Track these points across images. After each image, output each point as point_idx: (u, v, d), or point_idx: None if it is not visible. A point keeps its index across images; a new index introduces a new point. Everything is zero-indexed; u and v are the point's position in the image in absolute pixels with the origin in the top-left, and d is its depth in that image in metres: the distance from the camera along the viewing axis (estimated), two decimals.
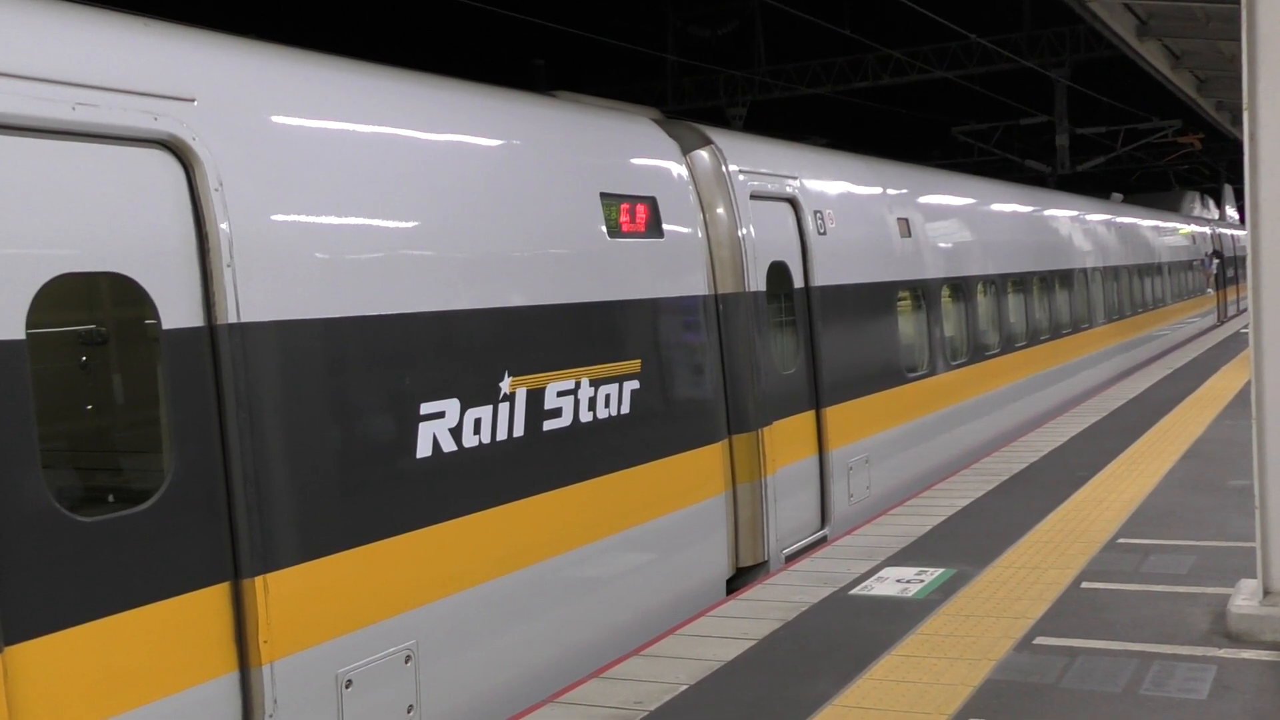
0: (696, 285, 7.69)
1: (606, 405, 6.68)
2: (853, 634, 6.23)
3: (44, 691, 3.85)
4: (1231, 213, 42.80)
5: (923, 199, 11.97)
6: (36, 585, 3.85)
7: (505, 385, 5.91)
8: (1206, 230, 32.08)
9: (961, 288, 12.56)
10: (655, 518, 7.09)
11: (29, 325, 3.90)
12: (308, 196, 4.97)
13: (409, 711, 5.21)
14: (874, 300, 10.26)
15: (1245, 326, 5.72)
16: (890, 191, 11.23)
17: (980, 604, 6.61)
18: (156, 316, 4.31)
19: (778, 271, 8.69)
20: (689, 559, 7.44)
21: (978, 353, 12.91)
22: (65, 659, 3.92)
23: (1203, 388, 15.89)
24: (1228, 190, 43.55)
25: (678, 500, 7.32)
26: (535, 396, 6.10)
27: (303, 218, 4.92)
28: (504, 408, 5.88)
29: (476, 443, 5.68)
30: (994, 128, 32.86)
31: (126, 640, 4.10)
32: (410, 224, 5.48)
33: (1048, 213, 16.91)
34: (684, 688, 5.61)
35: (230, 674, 4.48)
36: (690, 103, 31.00)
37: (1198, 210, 35.11)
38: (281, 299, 4.74)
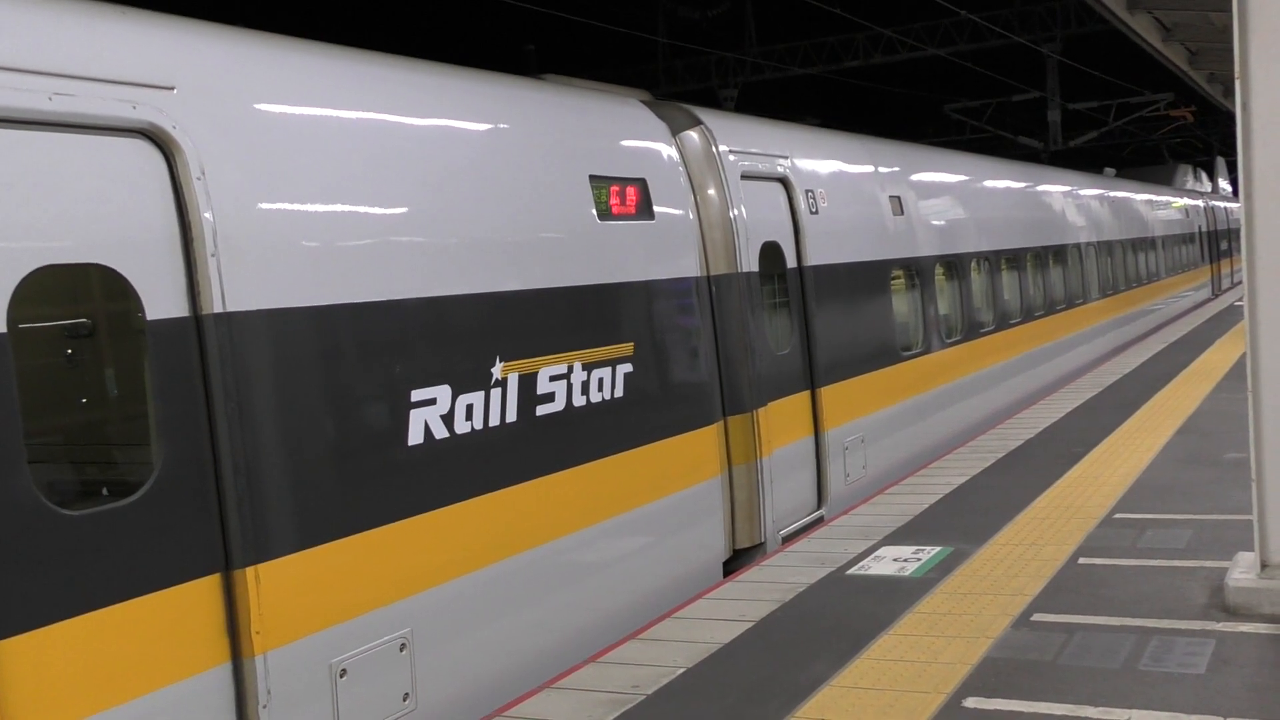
0: (688, 267, 7.65)
1: (599, 389, 6.65)
2: (850, 614, 6.22)
3: (34, 687, 3.82)
4: (1225, 185, 42.76)
5: (915, 177, 11.92)
6: (23, 580, 3.81)
7: (497, 370, 5.87)
8: (1200, 204, 32.04)
9: (955, 265, 12.52)
10: (651, 501, 7.06)
11: (10, 318, 3.86)
12: (293, 184, 4.92)
13: (404, 699, 5.19)
14: (867, 279, 10.22)
15: (1240, 299, 5.69)
16: (882, 170, 11.18)
17: (977, 582, 6.60)
18: (140, 307, 4.26)
19: (770, 252, 8.65)
20: (685, 542, 7.42)
21: (972, 330, 12.88)
22: (55, 654, 3.88)
23: (1198, 361, 15.88)
24: (1220, 163, 43.51)
25: (673, 483, 7.29)
26: (527, 381, 6.07)
27: (288, 205, 4.87)
28: (496, 393, 5.84)
29: (469, 429, 5.65)
30: (986, 104, 32.80)
31: (116, 634, 4.07)
32: (398, 210, 5.43)
33: (1040, 189, 16.87)
34: (681, 671, 5.59)
35: (223, 665, 4.45)
36: (682, 85, 30.88)
37: (1191, 184, 35.07)
38: (268, 287, 4.69)
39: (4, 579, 3.75)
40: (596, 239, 6.79)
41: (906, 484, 9.48)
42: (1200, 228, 31.30)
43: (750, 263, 8.22)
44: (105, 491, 4.36)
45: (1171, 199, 28.03)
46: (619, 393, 6.80)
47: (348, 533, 4.96)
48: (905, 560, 7.15)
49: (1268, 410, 5.71)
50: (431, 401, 5.44)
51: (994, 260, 13.80)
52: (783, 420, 8.52)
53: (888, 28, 28.03)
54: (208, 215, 4.48)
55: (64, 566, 3.93)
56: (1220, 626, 5.57)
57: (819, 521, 8.92)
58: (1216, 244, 33.83)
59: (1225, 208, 36.19)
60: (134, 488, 4.22)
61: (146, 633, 4.17)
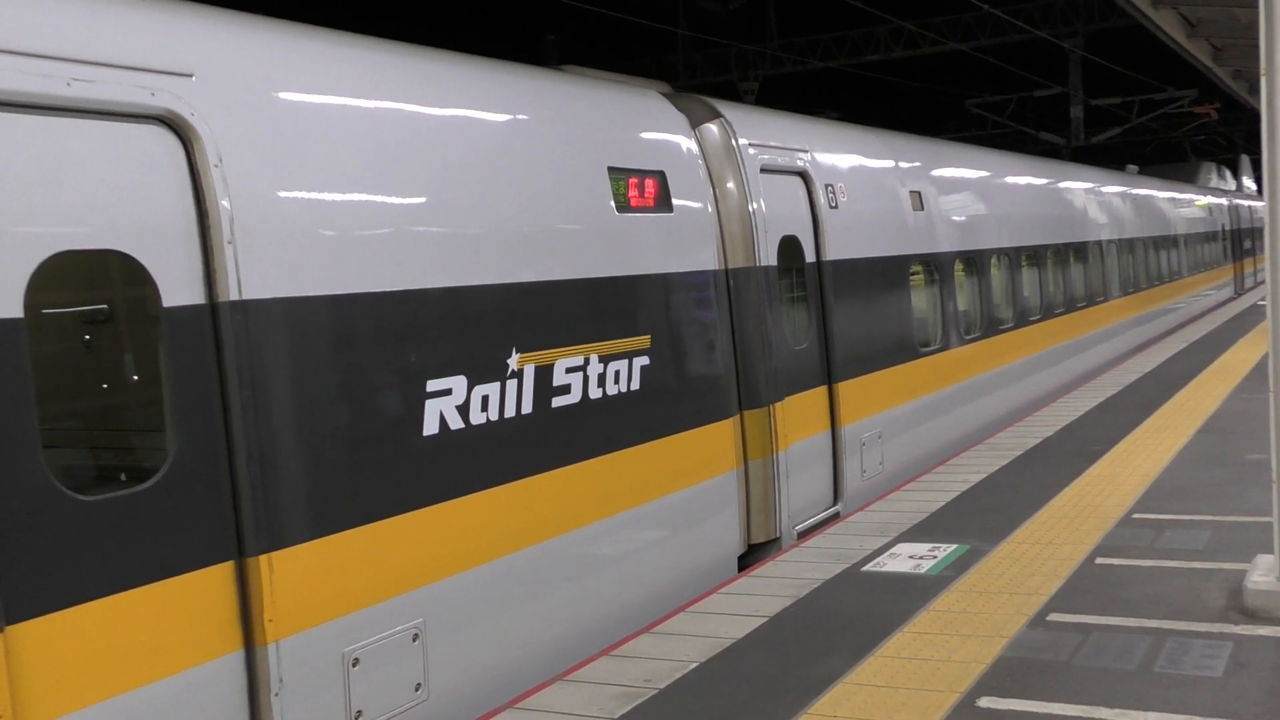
0: (706, 260, 7.62)
1: (616, 381, 6.63)
2: (865, 611, 6.19)
3: (46, 671, 3.83)
4: (1248, 183, 42.45)
5: (935, 172, 11.86)
6: (37, 564, 3.82)
7: (513, 362, 5.85)
8: (1223, 202, 31.81)
9: (975, 261, 12.46)
10: (666, 494, 7.04)
11: (27, 304, 3.86)
12: (311, 172, 4.91)
13: (417, 690, 5.19)
14: (886, 274, 10.17)
15: (1263, 298, 5.63)
16: (902, 164, 11.12)
17: (993, 580, 6.56)
18: (156, 294, 4.26)
19: (789, 246, 8.61)
20: (700, 536, 7.40)
21: (991, 327, 12.82)
22: (67, 638, 3.89)
23: (1219, 361, 15.76)
24: (1244, 161, 43.19)
25: (689, 476, 7.27)
26: (544, 373, 6.05)
27: (306, 194, 4.86)
28: (512, 384, 5.83)
29: (484, 420, 5.64)
30: (1008, 100, 32.65)
31: (129, 619, 4.07)
32: (416, 199, 5.42)
33: (1062, 185, 16.77)
34: (694, 665, 5.57)
35: (236, 653, 4.45)
36: (702, 78, 30.82)
37: (1214, 181, 34.83)
38: (284, 276, 4.69)
39: (18, 563, 3.76)
40: (614, 231, 6.76)
41: (923, 481, 9.43)
42: (1223, 226, 31.08)
43: (768, 257, 8.19)
44: (117, 478, 4.36)
45: (1195, 196, 27.84)
46: (635, 385, 6.78)
47: (361, 522, 4.95)
48: (921, 557, 7.11)
49: None
50: (447, 392, 5.43)
51: (1014, 256, 13.72)
52: (799, 415, 8.49)
53: (909, 21, 27.92)
54: (224, 203, 4.47)
55: (78, 552, 3.93)
56: (1238, 629, 5.52)
57: (835, 517, 8.89)
58: (1240, 242, 33.59)
59: (1249, 206, 35.93)
60: (148, 474, 4.23)
61: (159, 619, 4.17)
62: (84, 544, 3.96)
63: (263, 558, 4.50)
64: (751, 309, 7.94)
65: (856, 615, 6.13)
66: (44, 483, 3.85)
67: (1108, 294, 18.16)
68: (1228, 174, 38.29)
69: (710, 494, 7.49)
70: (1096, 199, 18.41)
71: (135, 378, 4.83)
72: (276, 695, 4.51)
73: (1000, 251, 13.27)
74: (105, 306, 4.77)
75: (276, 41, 5.12)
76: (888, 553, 7.29)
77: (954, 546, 7.30)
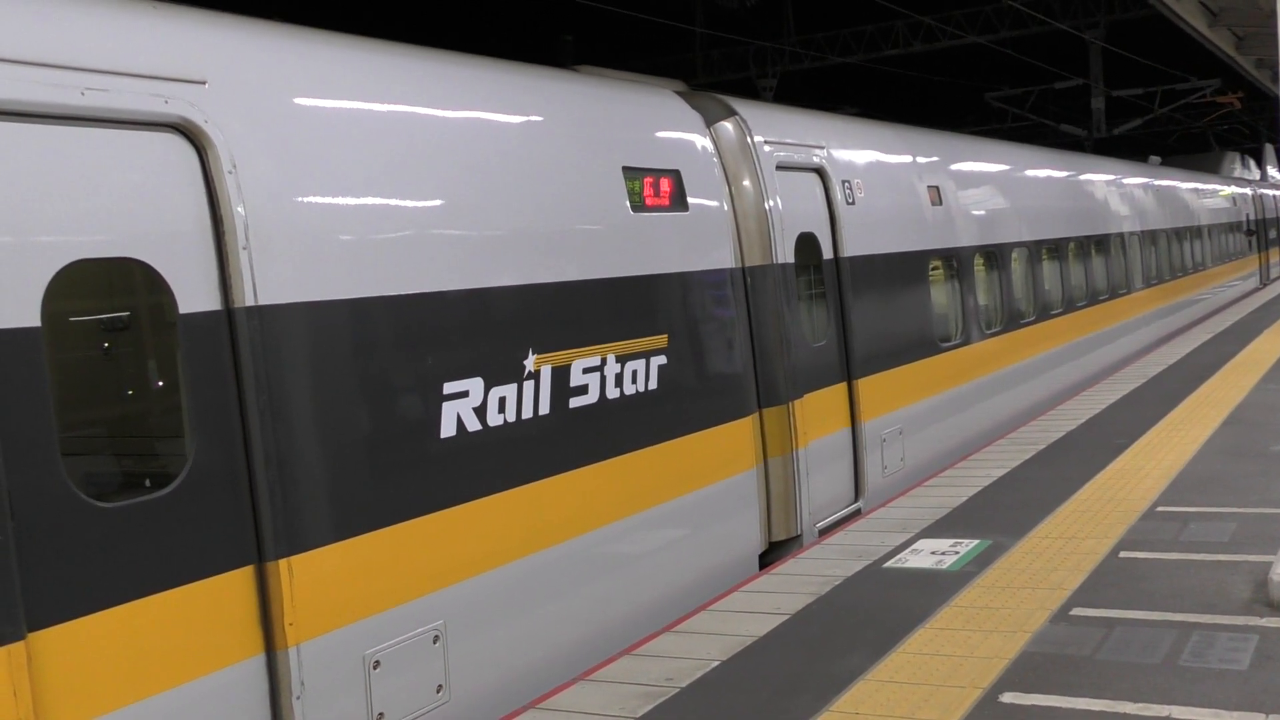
0: (723, 258, 7.61)
1: (634, 381, 6.63)
2: (887, 607, 6.17)
3: (67, 678, 3.85)
4: (1274, 173, 42.10)
5: (954, 166, 11.80)
6: (58, 571, 3.84)
7: (530, 363, 5.86)
8: (1248, 191, 31.55)
9: (995, 255, 12.39)
10: (686, 493, 7.04)
11: (44, 312, 3.89)
12: (326, 177, 4.93)
13: (438, 691, 5.20)
14: (905, 270, 10.13)
15: None
16: (920, 159, 11.08)
17: (1016, 575, 6.52)
18: (173, 301, 4.29)
19: (806, 243, 8.59)
20: (721, 534, 7.39)
21: (1012, 321, 12.75)
22: (87, 645, 3.91)
23: (1244, 352, 15.64)
24: (1269, 150, 42.82)
25: (708, 475, 7.26)
26: (560, 374, 6.06)
27: (320, 199, 4.88)
28: (529, 386, 5.83)
29: (501, 421, 5.64)
30: (1028, 92, 32.47)
31: (149, 625, 4.10)
32: (431, 203, 5.43)
33: (1083, 177, 16.67)
34: (716, 664, 5.57)
35: (256, 657, 4.47)
36: (719, 75, 30.80)
37: (1238, 171, 34.55)
38: (300, 281, 4.70)
39: (39, 571, 3.79)
40: (630, 230, 6.76)
41: (945, 476, 9.39)
42: (1248, 215, 30.83)
43: (786, 254, 8.17)
44: (136, 484, 4.39)
45: (1218, 187, 27.62)
46: (653, 385, 6.78)
47: (380, 525, 4.97)
48: (943, 553, 7.08)
49: None
50: (464, 394, 5.44)
51: (1035, 250, 13.65)
52: (819, 412, 8.47)
53: (928, 15, 27.80)
54: (239, 209, 4.49)
55: (97, 558, 3.96)
56: (1264, 622, 5.48)
57: (856, 514, 8.86)
58: (1265, 232, 33.30)
59: (1274, 195, 35.63)
60: (167, 480, 4.25)
61: (180, 625, 4.20)
62: (104, 550, 3.98)
63: (282, 562, 4.52)
64: (769, 306, 7.92)
65: (878, 612, 6.11)
66: (64, 490, 3.88)
67: (1130, 286, 18.04)
68: (1252, 163, 37.99)
69: (730, 492, 7.48)
70: (1118, 191, 18.29)
71: (153, 384, 4.86)
72: (298, 699, 4.53)
73: (1020, 245, 13.20)
74: (122, 314, 4.80)
75: (290, 46, 5.13)
76: (909, 549, 7.26)
77: (976, 542, 7.27)
